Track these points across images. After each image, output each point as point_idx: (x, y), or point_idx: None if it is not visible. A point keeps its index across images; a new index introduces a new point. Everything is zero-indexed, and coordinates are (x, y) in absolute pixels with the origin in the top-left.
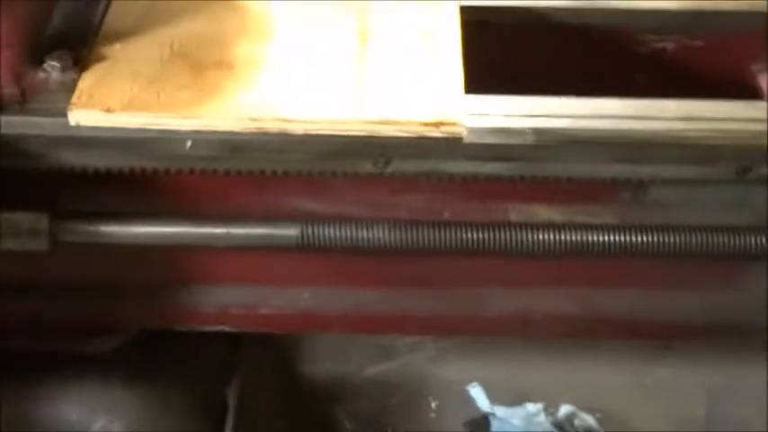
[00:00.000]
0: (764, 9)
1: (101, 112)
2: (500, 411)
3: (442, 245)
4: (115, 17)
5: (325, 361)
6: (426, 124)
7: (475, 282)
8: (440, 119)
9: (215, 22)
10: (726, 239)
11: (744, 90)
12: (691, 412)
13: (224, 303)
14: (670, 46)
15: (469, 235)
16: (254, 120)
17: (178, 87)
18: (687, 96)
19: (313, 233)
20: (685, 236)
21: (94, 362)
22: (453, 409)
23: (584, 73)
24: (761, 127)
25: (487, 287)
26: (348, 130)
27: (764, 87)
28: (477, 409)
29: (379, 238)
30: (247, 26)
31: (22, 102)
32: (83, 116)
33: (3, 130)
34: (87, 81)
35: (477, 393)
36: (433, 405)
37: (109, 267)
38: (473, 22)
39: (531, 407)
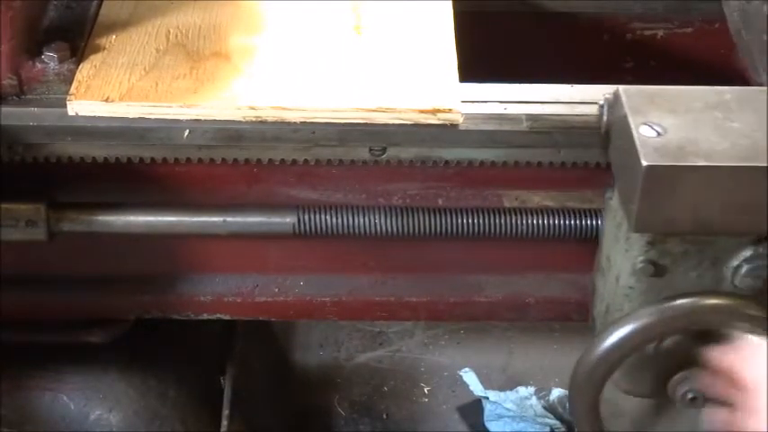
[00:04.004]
0: None
1: (99, 102)
2: (493, 395)
3: (437, 231)
4: (110, 8)
5: (318, 348)
6: (423, 111)
7: (469, 267)
8: (436, 106)
9: (211, 13)
10: None
11: (731, 76)
12: None
13: (220, 291)
14: (659, 33)
15: (464, 221)
16: (252, 108)
17: (175, 77)
18: (675, 83)
19: (309, 220)
20: None
21: (91, 352)
22: (446, 393)
23: (576, 60)
24: None
25: (482, 272)
26: (345, 118)
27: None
28: (470, 393)
29: (375, 225)
30: (243, 17)
31: (21, 93)
32: (81, 106)
33: (2, 121)
34: (85, 71)
35: (469, 378)
36: (425, 390)
37: (106, 257)
38: (466, 11)
39: (523, 390)
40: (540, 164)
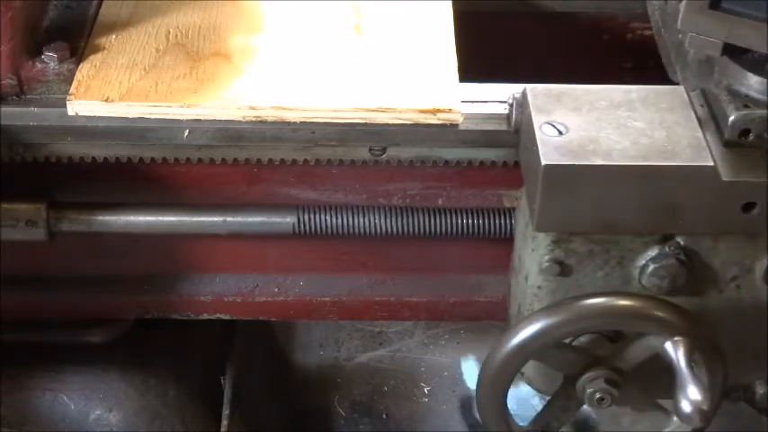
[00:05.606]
0: None
1: (99, 102)
2: None
3: (437, 231)
4: (110, 8)
5: (318, 348)
6: (423, 111)
7: (469, 267)
8: (436, 106)
9: (211, 13)
10: None
11: None
12: None
13: (220, 291)
14: None
15: (464, 221)
16: (252, 108)
17: (175, 77)
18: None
19: (309, 220)
20: None
21: (91, 352)
22: (446, 393)
23: (576, 60)
24: None
25: (482, 272)
26: (345, 118)
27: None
28: (470, 392)
29: (375, 225)
30: (243, 17)
31: (21, 93)
32: (81, 106)
33: (2, 121)
34: (85, 71)
35: (469, 367)
36: (425, 390)
37: (106, 257)
38: (466, 11)
39: (525, 389)
40: None
